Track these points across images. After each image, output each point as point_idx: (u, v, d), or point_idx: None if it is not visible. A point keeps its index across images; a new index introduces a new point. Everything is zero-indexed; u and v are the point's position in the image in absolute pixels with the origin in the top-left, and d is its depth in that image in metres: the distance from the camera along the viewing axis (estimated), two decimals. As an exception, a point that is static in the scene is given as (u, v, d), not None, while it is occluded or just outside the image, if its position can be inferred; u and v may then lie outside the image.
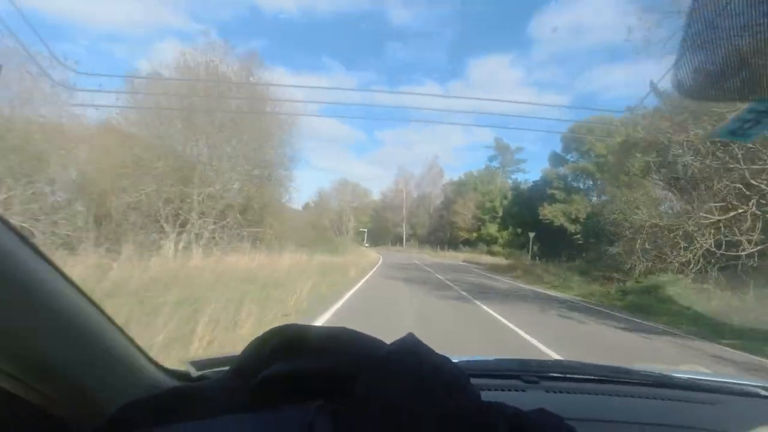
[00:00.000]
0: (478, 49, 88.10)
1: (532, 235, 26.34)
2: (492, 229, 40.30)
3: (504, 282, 15.55)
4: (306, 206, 41.25)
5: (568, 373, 0.96)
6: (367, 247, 41.87)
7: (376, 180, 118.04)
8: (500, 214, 40.47)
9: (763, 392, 0.93)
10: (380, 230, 63.08)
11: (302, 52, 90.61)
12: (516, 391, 0.86)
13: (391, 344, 0.59)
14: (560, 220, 31.87)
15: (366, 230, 56.15)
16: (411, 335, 0.60)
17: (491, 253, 37.27)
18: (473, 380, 0.59)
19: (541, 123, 67.27)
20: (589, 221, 32.36)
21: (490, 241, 40.11)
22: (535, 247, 35.92)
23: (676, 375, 0.99)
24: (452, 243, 45.28)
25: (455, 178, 53.15)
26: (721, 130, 0.39)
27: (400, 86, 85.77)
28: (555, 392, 0.87)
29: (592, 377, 0.95)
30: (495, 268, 24.37)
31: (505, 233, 38.63)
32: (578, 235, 32.83)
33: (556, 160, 33.62)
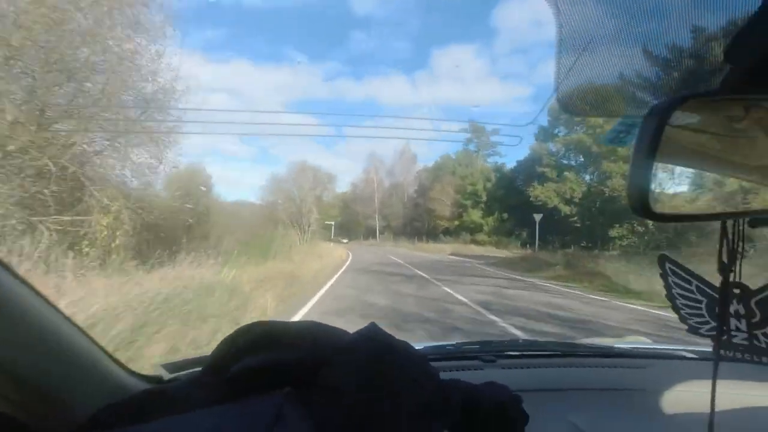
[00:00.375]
0: (445, 38, 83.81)
1: (538, 217, 21.92)
2: (475, 215, 36.75)
3: (573, 293, 10.14)
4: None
5: (523, 351, 1.08)
6: (335, 242, 36.60)
7: (347, 173, 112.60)
8: (484, 198, 37.04)
9: (687, 355, 1.10)
10: (351, 224, 58.35)
11: (264, 43, 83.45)
12: (475, 370, 0.95)
13: (354, 333, 0.66)
14: (554, 202, 27.44)
15: (333, 223, 50.48)
16: (373, 324, 0.67)
17: (476, 242, 33.39)
18: (436, 363, 0.82)
19: (512, 112, 63.77)
20: (586, 201, 28.19)
21: (474, 229, 36.64)
22: (524, 233, 32.08)
23: (617, 346, 1.14)
24: (431, 233, 41.41)
25: (430, 164, 48.49)
26: (603, 139, 0.62)
27: (366, 78, 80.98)
28: (510, 368, 0.98)
29: (544, 353, 1.08)
30: (504, 264, 19.61)
31: (490, 219, 34.94)
32: (574, 218, 28.36)
33: (545, 135, 29.66)
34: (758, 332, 0.50)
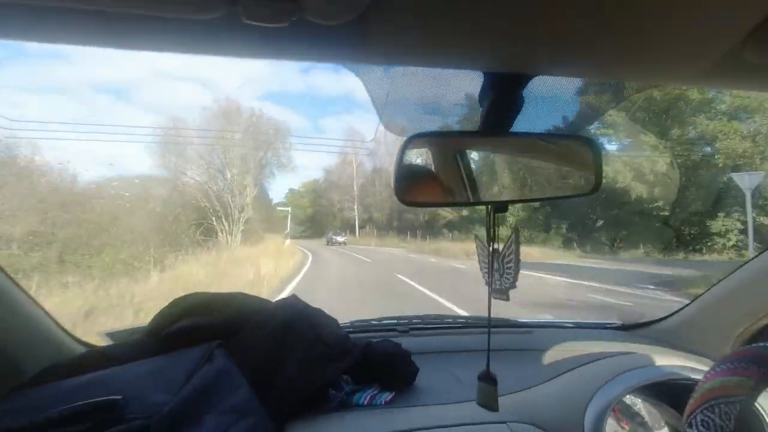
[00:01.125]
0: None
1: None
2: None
3: None
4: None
5: (430, 324, 1.33)
6: (292, 241, 25.57)
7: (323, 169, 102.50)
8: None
9: (567, 325, 1.40)
10: (324, 216, 46.85)
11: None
12: (391, 338, 1.09)
13: (276, 301, 0.94)
14: (626, 179, 17.26)
15: (288, 210, 38.35)
16: (294, 296, 0.96)
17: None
18: (361, 334, 1.14)
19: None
20: (677, 177, 17.80)
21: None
22: (564, 227, 22.31)
23: (513, 319, 1.39)
24: (429, 228, 30.57)
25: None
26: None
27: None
28: (417, 336, 1.24)
29: (448, 325, 1.35)
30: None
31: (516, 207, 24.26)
32: (657, 203, 17.97)
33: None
34: (500, 279, 0.69)
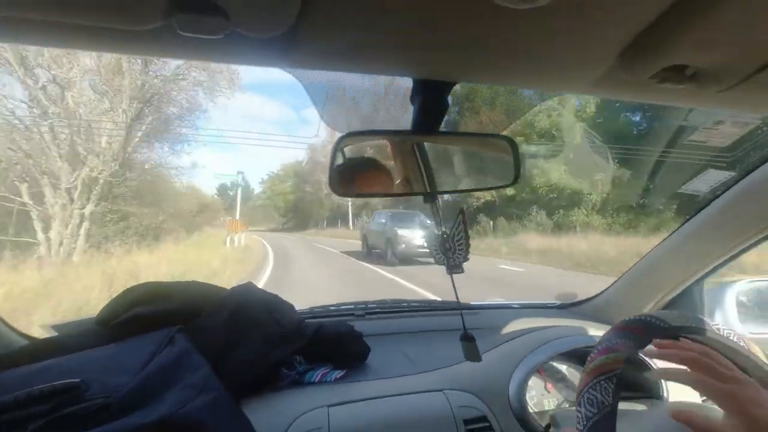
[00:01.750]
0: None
1: None
2: (555, 171, 17.65)
3: None
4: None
5: (387, 309, 1.38)
6: (243, 238, 16.69)
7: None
8: (578, 134, 17.72)
9: (513, 306, 1.49)
10: (308, 204, 38.04)
11: None
12: (347, 323, 1.14)
13: (230, 288, 0.96)
14: None
15: (230, 185, 27.08)
16: (249, 283, 1.01)
17: (565, 228, 14.49)
18: (319, 319, 1.15)
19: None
20: None
21: (549, 201, 17.35)
22: (673, 207, 14.71)
23: (464, 302, 1.39)
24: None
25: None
26: None
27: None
28: (372, 320, 1.30)
29: (402, 309, 1.39)
30: None
31: (597, 181, 15.85)
32: None
33: None
34: (453, 256, 0.75)
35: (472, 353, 0.80)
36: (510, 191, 19.34)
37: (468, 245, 0.75)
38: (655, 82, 0.50)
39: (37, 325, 0.92)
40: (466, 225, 0.74)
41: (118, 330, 0.81)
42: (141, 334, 0.78)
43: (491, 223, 19.42)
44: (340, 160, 0.73)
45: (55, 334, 0.85)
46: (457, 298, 0.84)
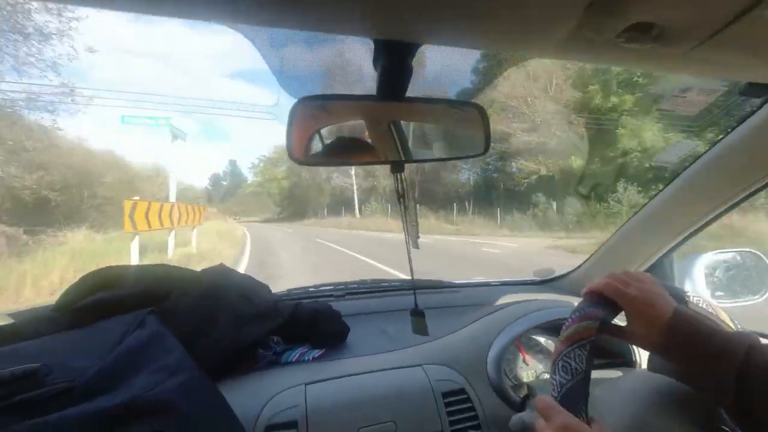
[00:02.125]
0: None
1: None
2: (649, 131, 12.48)
3: None
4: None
5: (367, 289, 1.38)
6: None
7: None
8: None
9: (493, 283, 1.51)
10: (306, 190, 33.42)
11: None
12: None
13: (201, 270, 0.92)
14: None
15: (162, 123, 10.94)
16: (222, 265, 0.96)
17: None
18: (296, 301, 1.07)
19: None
20: None
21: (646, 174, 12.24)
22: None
23: (445, 281, 1.48)
24: (509, 198, 17.18)
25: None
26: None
27: None
28: (352, 300, 1.30)
29: (384, 288, 1.40)
30: None
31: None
32: None
33: None
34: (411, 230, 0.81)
35: (420, 327, 0.85)
36: (575, 161, 14.35)
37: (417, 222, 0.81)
38: (622, 42, 0.50)
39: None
40: (414, 201, 0.75)
41: (79, 316, 0.76)
42: (104, 320, 0.74)
43: (554, 204, 14.46)
44: (301, 127, 0.67)
45: (11, 321, 0.80)
46: (413, 275, 0.87)
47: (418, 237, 0.78)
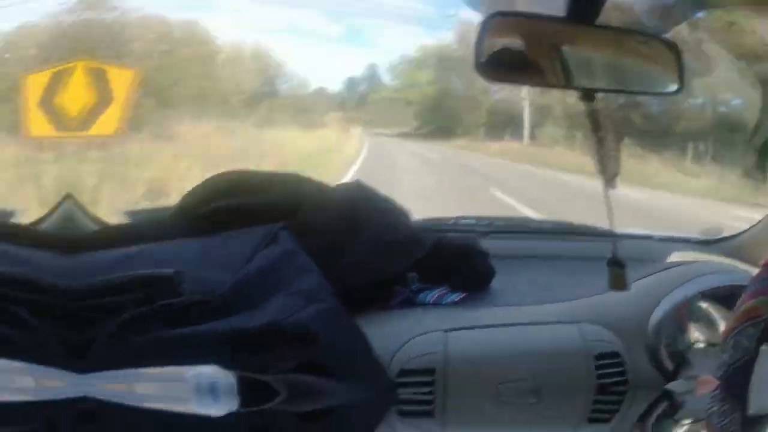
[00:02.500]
0: None
1: None
2: None
3: None
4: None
5: (514, 227, 1.27)
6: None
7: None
8: None
9: (655, 237, 1.33)
10: (457, 102, 26.01)
11: None
12: None
13: (336, 185, 0.80)
14: None
15: None
16: (358, 181, 0.83)
17: None
18: (431, 234, 0.91)
19: None
20: None
21: None
22: None
23: (600, 227, 1.26)
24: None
25: None
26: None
27: None
28: (498, 240, 1.12)
29: (535, 229, 1.29)
30: None
31: None
32: None
33: None
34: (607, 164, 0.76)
35: (619, 282, 0.74)
36: None
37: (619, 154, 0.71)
38: None
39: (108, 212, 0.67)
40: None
41: (201, 224, 0.71)
42: (228, 231, 0.70)
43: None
44: (487, 43, 0.66)
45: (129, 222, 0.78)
46: (612, 222, 0.77)
47: (617, 174, 0.70)
